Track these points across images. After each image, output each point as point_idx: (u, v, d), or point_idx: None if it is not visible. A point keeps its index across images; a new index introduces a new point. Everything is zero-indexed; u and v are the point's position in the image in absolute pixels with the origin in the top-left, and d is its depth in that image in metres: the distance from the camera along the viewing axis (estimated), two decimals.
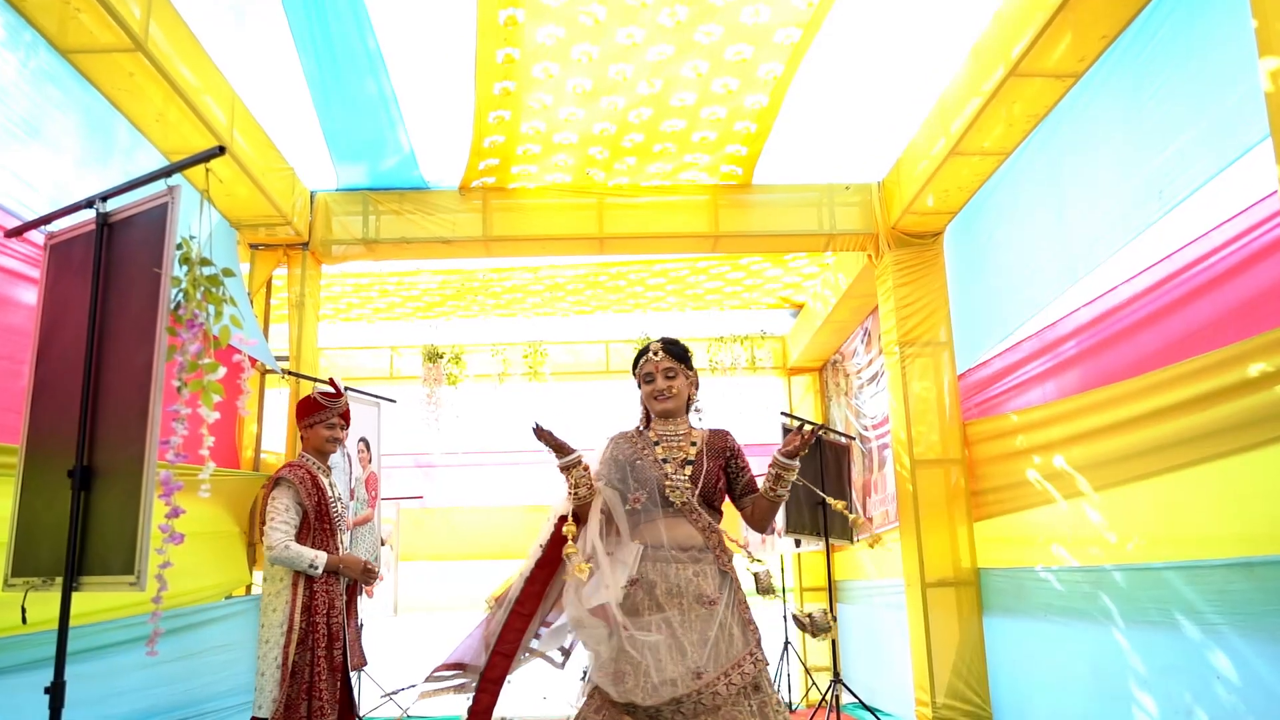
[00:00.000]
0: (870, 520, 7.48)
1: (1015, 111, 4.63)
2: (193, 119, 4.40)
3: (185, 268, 2.40)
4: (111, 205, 2.71)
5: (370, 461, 6.32)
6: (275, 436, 6.01)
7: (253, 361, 5.55)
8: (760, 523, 3.28)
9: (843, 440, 7.48)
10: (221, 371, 2.36)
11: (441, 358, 8.66)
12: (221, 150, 2.46)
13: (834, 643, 6.33)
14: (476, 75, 4.64)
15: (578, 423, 9.29)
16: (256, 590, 5.74)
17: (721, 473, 3.30)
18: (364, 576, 4.07)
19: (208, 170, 2.54)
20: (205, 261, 2.40)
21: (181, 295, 2.38)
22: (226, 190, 5.12)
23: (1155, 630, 3.80)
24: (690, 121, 5.18)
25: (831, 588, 6.70)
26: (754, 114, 5.14)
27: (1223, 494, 3.44)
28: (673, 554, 3.12)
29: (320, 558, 3.88)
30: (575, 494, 3.19)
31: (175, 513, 2.37)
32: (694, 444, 3.28)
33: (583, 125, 5.17)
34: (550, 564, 3.38)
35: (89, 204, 2.67)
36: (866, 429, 7.67)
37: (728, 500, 3.37)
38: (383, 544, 7.18)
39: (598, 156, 5.53)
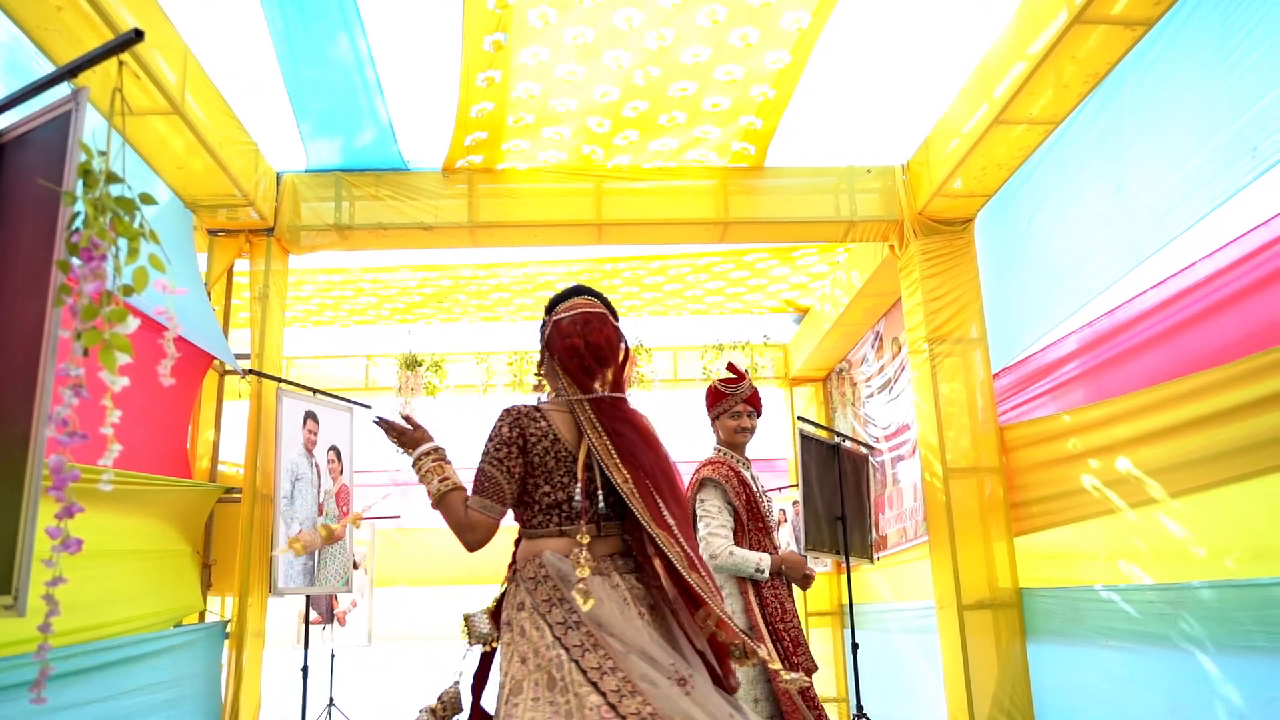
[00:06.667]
0: (885, 538, 6.93)
1: (1069, 73, 4.13)
2: (140, 76, 3.82)
3: (91, 187, 1.82)
4: (3, 124, 2.14)
5: (341, 473, 5.70)
6: (234, 446, 5.37)
7: (199, 350, 4.93)
8: None
9: (861, 450, 6.88)
10: (132, 325, 1.75)
11: (420, 366, 8.03)
12: (139, 35, 1.88)
13: (855, 673, 5.72)
14: (464, 25, 4.07)
15: None
16: (212, 616, 5.11)
17: None
18: (803, 582, 3.58)
19: (120, 64, 1.96)
20: (113, 178, 1.81)
21: (81, 221, 1.78)
22: (179, 163, 4.53)
23: (1260, 657, 3.24)
24: (702, 83, 4.61)
25: (852, 612, 6.11)
26: (773, 76, 4.59)
27: None
28: None
29: (765, 560, 3.48)
30: None
31: (69, 511, 1.75)
32: None
33: (581, 88, 4.60)
34: None
35: None
36: (878, 440, 7.12)
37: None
38: (355, 567, 6.55)
39: (596, 129, 4.96)
